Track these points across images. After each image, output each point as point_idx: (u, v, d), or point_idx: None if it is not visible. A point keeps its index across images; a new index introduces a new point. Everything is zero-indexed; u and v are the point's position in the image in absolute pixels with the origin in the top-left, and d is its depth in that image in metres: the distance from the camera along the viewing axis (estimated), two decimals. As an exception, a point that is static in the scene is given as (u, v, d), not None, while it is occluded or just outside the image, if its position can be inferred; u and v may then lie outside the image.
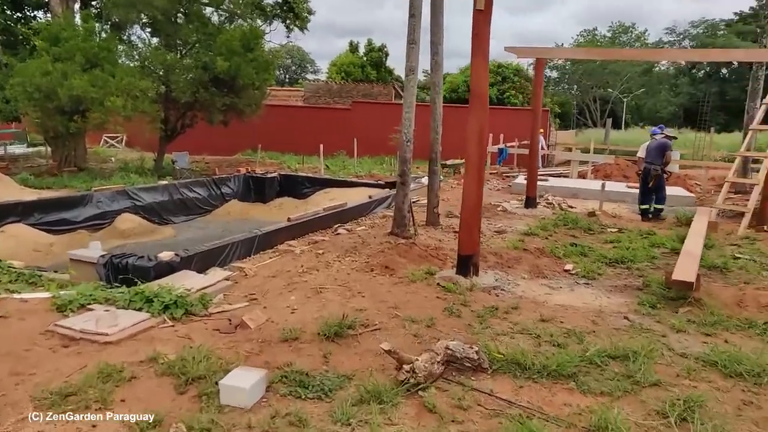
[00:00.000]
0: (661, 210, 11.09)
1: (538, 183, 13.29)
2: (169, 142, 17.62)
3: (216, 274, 6.04)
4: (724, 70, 50.32)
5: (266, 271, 6.61)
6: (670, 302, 5.69)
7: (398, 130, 19.99)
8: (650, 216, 11.27)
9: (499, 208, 11.55)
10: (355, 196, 13.66)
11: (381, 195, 12.20)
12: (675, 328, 4.94)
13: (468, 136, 5.96)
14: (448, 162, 17.63)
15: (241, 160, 21.74)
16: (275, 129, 24.39)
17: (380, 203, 11.94)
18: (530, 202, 11.93)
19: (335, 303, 5.40)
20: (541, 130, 22.57)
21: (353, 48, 41.97)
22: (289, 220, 8.53)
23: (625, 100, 49.57)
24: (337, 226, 9.35)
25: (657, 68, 56.57)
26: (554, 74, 52.96)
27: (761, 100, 13.87)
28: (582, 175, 17.95)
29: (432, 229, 9.07)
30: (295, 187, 15.35)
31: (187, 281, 5.67)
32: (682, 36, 52.20)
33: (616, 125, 42.64)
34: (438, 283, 5.97)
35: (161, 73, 16.20)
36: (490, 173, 19.05)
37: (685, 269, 5.78)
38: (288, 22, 26.51)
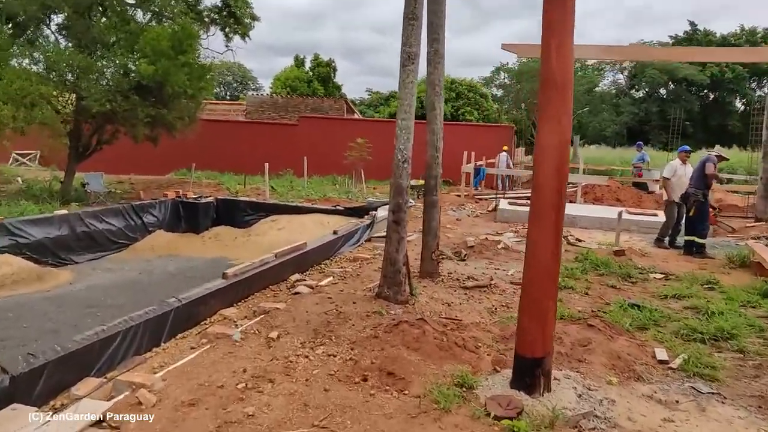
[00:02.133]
0: (703, 246, 8.94)
1: (522, 209, 11.52)
2: (81, 161, 14.65)
3: (79, 410, 3.23)
4: (662, 91, 50.85)
5: (181, 387, 3.78)
6: None
7: (353, 146, 17.81)
8: (687, 250, 9.19)
9: (500, 246, 9.07)
10: (309, 225, 11.11)
11: (347, 228, 9.55)
12: None
13: (540, 155, 3.41)
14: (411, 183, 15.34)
15: (174, 181, 18.71)
16: (214, 146, 21.92)
17: (348, 239, 9.32)
18: (535, 237, 9.50)
19: (313, 486, 2.72)
20: (505, 148, 20.61)
21: (299, 62, 39.61)
22: (225, 276, 5.75)
23: (570, 119, 48.99)
24: (295, 280, 6.62)
25: (599, 88, 56.68)
26: (500, 93, 51.87)
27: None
28: (569, 199, 15.85)
29: (431, 284, 6.44)
30: (236, 213, 12.74)
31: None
32: (623, 58, 52.49)
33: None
34: (492, 415, 3.35)
35: (70, 78, 13.17)
36: (465, 195, 16.76)
37: None
38: (228, 29, 23.81)
